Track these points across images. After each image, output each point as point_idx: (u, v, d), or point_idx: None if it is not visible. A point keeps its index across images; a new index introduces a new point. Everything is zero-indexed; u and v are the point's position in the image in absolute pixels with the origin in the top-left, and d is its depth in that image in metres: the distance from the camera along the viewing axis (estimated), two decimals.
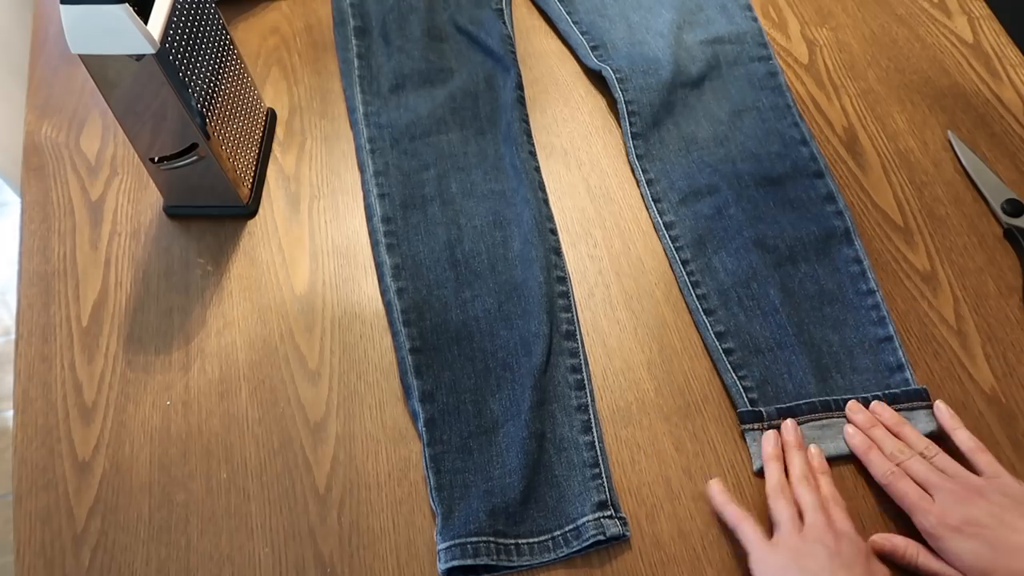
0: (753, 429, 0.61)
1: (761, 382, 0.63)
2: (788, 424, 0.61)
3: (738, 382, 0.63)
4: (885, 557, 0.56)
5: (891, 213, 0.72)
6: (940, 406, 0.61)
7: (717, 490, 0.58)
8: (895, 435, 0.60)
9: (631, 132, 0.76)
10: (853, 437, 0.60)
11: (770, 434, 0.61)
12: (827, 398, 0.62)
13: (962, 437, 0.59)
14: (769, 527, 0.56)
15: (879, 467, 0.58)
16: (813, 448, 0.60)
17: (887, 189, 0.73)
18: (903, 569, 0.56)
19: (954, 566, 0.53)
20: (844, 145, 0.76)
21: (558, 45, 0.84)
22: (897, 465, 0.58)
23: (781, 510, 0.56)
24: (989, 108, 0.78)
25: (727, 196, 0.71)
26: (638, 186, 0.74)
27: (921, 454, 0.58)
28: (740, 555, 0.57)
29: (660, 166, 0.74)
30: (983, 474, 0.56)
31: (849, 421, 0.62)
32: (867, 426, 0.61)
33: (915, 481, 0.57)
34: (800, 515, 0.55)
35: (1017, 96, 0.79)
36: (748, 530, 0.55)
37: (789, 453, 0.60)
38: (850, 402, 0.62)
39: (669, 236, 0.70)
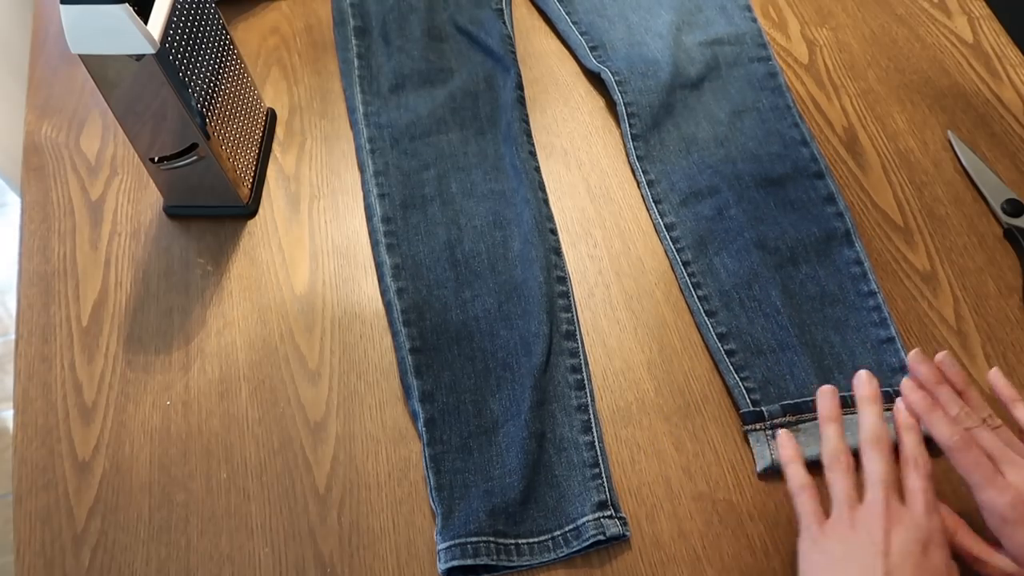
0: (756, 430, 0.61)
1: (763, 383, 0.63)
2: (862, 375, 0.54)
3: (740, 383, 0.63)
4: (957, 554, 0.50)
5: (891, 213, 0.72)
6: (996, 374, 0.54)
7: (785, 441, 0.53)
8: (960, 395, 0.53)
9: (631, 134, 0.76)
10: (912, 393, 0.53)
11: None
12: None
13: (1021, 413, 0.52)
14: (828, 507, 0.51)
15: (944, 431, 0.50)
16: (899, 403, 0.53)
17: (887, 189, 0.73)
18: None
19: (1013, 554, 0.47)
20: (844, 145, 0.76)
21: (558, 45, 0.84)
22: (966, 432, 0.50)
23: (835, 482, 0.49)
24: (989, 108, 0.78)
25: (728, 197, 0.71)
26: (639, 187, 0.74)
27: (984, 422, 0.51)
28: (740, 555, 0.57)
29: (660, 167, 0.74)
30: None
31: (910, 372, 0.55)
32: (932, 382, 0.53)
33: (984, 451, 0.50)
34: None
35: (1017, 96, 0.79)
36: (805, 503, 0.49)
37: (861, 406, 0.53)
38: (913, 351, 0.55)
39: (670, 237, 0.70)
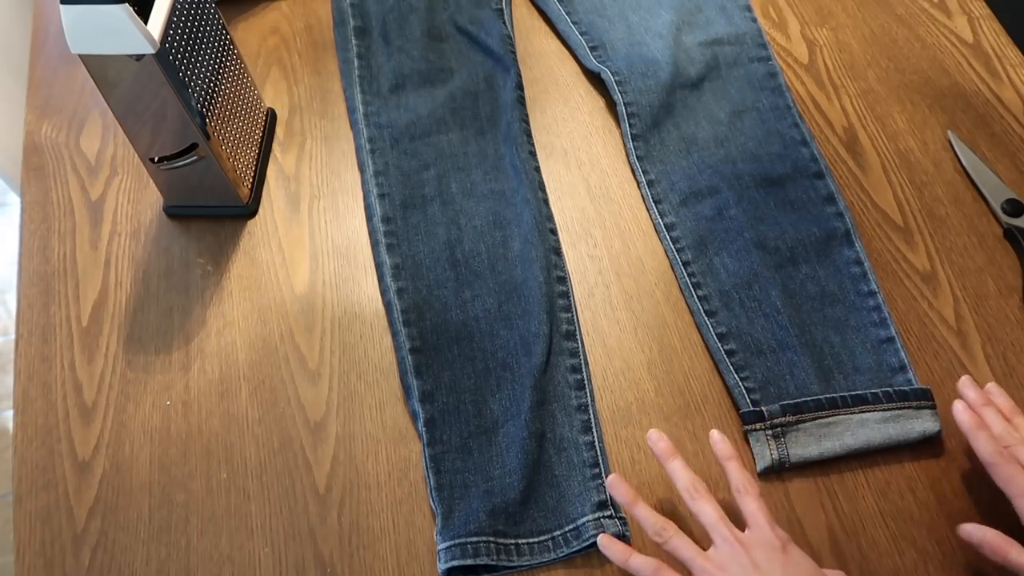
0: (756, 430, 0.61)
1: (763, 383, 0.63)
2: (652, 435, 0.57)
3: (740, 383, 0.63)
4: (974, 547, 0.54)
5: (891, 213, 0.72)
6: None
7: (607, 543, 0.55)
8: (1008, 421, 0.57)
9: (631, 134, 0.76)
10: (962, 413, 0.57)
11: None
12: (833, 395, 0.62)
13: None
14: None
15: (986, 447, 0.55)
16: (715, 432, 0.57)
17: (887, 189, 0.73)
18: (989, 563, 0.54)
19: None
20: (844, 145, 0.76)
21: (558, 45, 0.84)
22: (1008, 448, 0.54)
23: (678, 547, 0.53)
24: (989, 108, 0.78)
25: (728, 197, 0.71)
26: (639, 187, 0.74)
27: None
28: None
29: (660, 167, 0.74)
30: None
31: (960, 396, 0.59)
32: (979, 403, 0.58)
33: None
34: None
35: (1017, 96, 0.79)
36: (682, 546, 0.53)
37: (665, 463, 0.56)
38: (963, 377, 0.60)
39: (670, 237, 0.70)
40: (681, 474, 0.55)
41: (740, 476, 0.55)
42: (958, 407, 0.58)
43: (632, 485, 0.60)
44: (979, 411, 0.58)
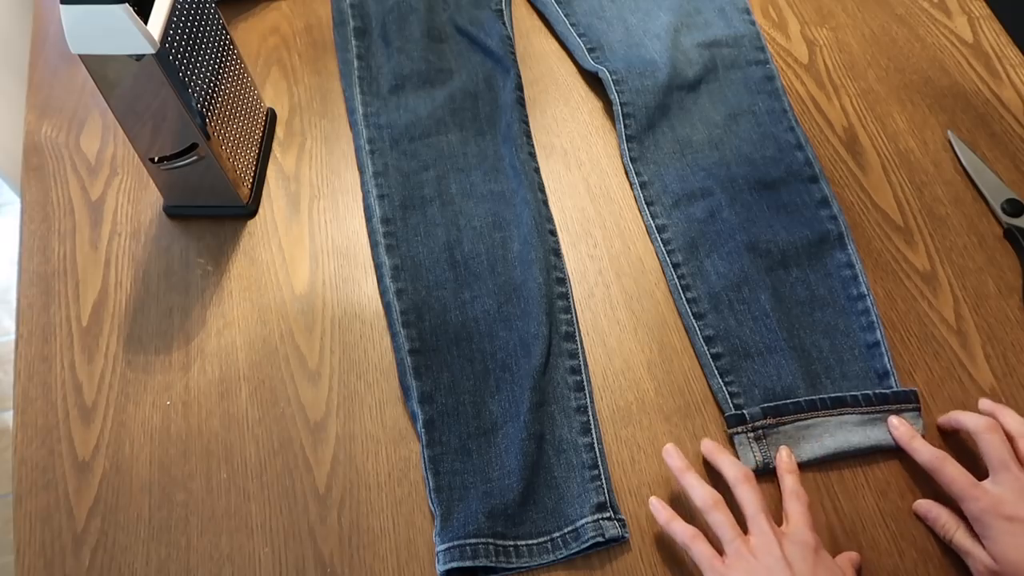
0: (739, 433, 0.61)
1: (749, 386, 0.63)
2: (706, 442, 0.60)
3: (724, 387, 0.63)
4: (926, 524, 0.57)
5: (891, 213, 0.72)
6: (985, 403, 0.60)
7: (660, 507, 0.57)
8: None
9: (625, 135, 0.76)
10: (898, 428, 0.60)
11: (670, 447, 0.59)
12: (812, 397, 0.62)
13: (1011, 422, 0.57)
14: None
15: (924, 452, 0.58)
16: (784, 450, 0.60)
17: (887, 189, 0.73)
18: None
19: (992, 553, 0.53)
20: (844, 145, 0.76)
21: (558, 45, 0.84)
22: (977, 435, 0.56)
23: (720, 524, 0.54)
24: (989, 108, 0.78)
25: (720, 200, 0.71)
26: (631, 189, 0.74)
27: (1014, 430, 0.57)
28: None
29: (654, 169, 0.74)
30: None
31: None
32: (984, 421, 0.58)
33: (986, 456, 0.55)
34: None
35: (1017, 96, 0.78)
36: (703, 550, 0.53)
37: (716, 460, 0.58)
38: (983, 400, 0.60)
39: (661, 239, 0.70)
40: (697, 488, 0.56)
41: (796, 487, 0.57)
42: (893, 422, 0.60)
43: (632, 484, 0.60)
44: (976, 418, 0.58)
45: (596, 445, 0.61)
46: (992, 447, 0.55)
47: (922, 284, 0.68)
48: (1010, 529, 0.52)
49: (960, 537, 0.55)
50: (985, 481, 0.55)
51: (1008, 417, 0.58)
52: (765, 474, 0.60)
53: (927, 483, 0.59)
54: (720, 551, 0.54)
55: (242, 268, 0.70)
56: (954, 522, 0.56)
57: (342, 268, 0.70)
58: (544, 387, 0.63)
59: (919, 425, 0.61)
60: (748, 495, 0.55)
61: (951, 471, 0.56)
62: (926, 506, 0.58)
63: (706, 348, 0.65)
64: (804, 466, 0.60)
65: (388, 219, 0.71)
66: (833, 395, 0.62)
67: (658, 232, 0.71)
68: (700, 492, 0.56)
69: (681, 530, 0.55)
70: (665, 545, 0.58)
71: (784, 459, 0.59)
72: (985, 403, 0.60)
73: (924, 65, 0.81)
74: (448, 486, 0.59)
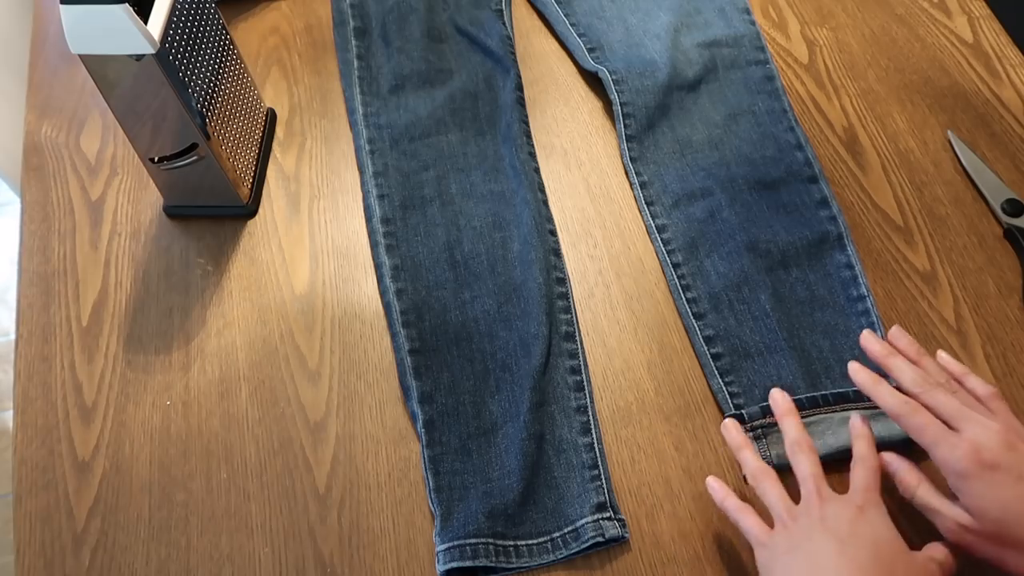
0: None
1: (749, 387, 0.63)
2: (775, 394, 0.57)
3: (724, 387, 0.63)
4: (886, 479, 0.53)
5: (891, 213, 0.72)
6: (943, 354, 0.55)
7: (717, 485, 0.56)
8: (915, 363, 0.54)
9: (625, 135, 0.76)
10: (858, 373, 0.54)
11: (728, 423, 0.57)
12: (814, 394, 0.62)
13: (974, 383, 0.53)
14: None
15: (889, 400, 0.52)
16: (856, 415, 0.55)
17: (887, 189, 0.73)
18: (900, 500, 0.53)
19: (968, 507, 0.48)
20: (844, 145, 0.76)
21: (557, 46, 0.84)
22: (921, 395, 0.51)
23: (766, 493, 0.52)
24: (989, 108, 0.78)
25: (720, 200, 0.71)
26: (631, 189, 0.74)
27: (941, 387, 0.52)
28: (740, 555, 0.57)
29: (654, 169, 0.74)
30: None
31: (863, 349, 0.56)
32: (883, 355, 0.54)
33: (940, 413, 0.50)
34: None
35: (1017, 96, 0.79)
36: (750, 522, 0.52)
37: (781, 422, 0.55)
38: (864, 331, 0.57)
39: (661, 239, 0.70)
40: (751, 461, 0.55)
41: (866, 451, 0.53)
42: (853, 367, 0.55)
43: (632, 484, 0.60)
44: (884, 362, 0.54)
45: (596, 445, 0.61)
46: (940, 401, 0.51)
47: (922, 284, 0.68)
48: (992, 479, 0.47)
49: (923, 493, 0.51)
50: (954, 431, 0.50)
51: (971, 381, 0.53)
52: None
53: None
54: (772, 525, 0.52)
55: (242, 268, 0.70)
56: (916, 476, 0.51)
57: (342, 268, 0.70)
58: (544, 387, 0.63)
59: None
60: (802, 461, 0.52)
61: (922, 417, 0.50)
62: (887, 458, 0.53)
63: (706, 348, 0.65)
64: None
65: (388, 219, 0.71)
66: (835, 391, 0.62)
67: (658, 232, 0.71)
68: (752, 464, 0.54)
69: (733, 505, 0.53)
70: (665, 545, 0.58)
71: (857, 424, 0.54)
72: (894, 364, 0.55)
73: (924, 65, 0.81)
74: (448, 486, 0.59)
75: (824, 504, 0.50)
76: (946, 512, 0.49)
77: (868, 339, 0.56)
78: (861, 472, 0.52)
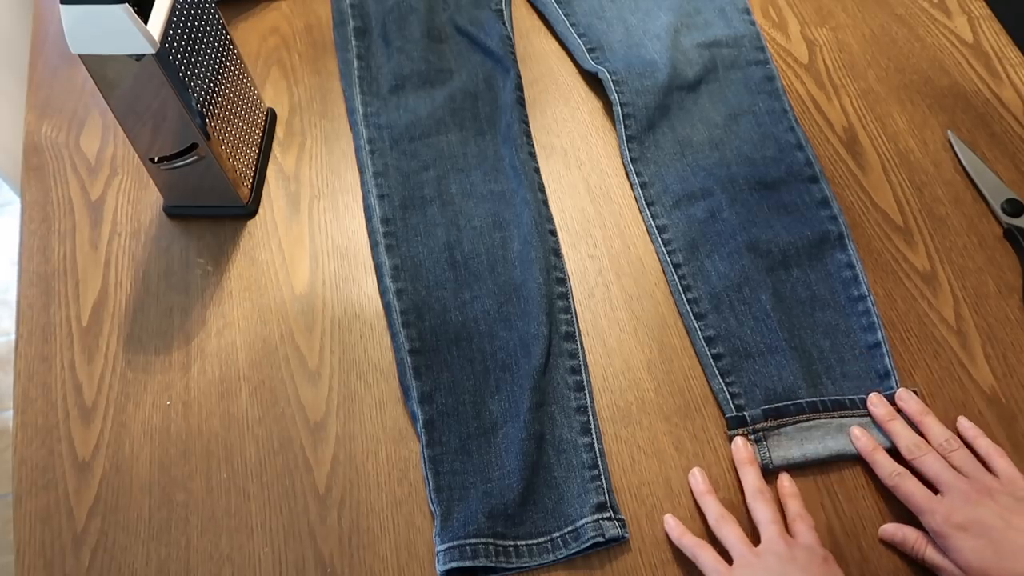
0: (739, 435, 0.61)
1: (750, 387, 0.63)
2: (738, 442, 0.61)
3: (725, 388, 0.63)
4: (895, 547, 0.57)
5: (891, 213, 0.72)
6: (903, 394, 0.62)
7: (673, 523, 0.58)
8: (918, 425, 0.60)
9: (626, 135, 0.76)
10: (859, 439, 0.60)
11: (697, 472, 0.60)
12: (814, 399, 0.62)
13: (983, 444, 0.59)
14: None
15: (885, 468, 0.59)
16: (784, 477, 0.60)
17: (887, 189, 0.73)
18: (911, 561, 0.57)
19: (957, 564, 0.53)
20: (844, 145, 0.76)
21: (558, 46, 0.84)
22: (913, 460, 0.58)
23: (727, 536, 0.56)
24: (989, 108, 0.78)
25: (721, 200, 0.71)
26: (632, 189, 0.74)
27: (941, 447, 0.58)
28: None
29: (654, 169, 0.74)
30: (999, 477, 0.57)
31: (869, 414, 0.62)
32: (886, 419, 0.60)
33: (928, 477, 0.57)
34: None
35: (1017, 96, 0.78)
36: (709, 557, 0.55)
37: (741, 469, 0.60)
38: (872, 395, 0.62)
39: (662, 240, 0.70)
40: (711, 507, 0.58)
41: (801, 511, 0.57)
42: (855, 432, 0.61)
43: (632, 484, 0.60)
44: (886, 427, 0.60)
45: (596, 445, 0.61)
46: (927, 466, 0.57)
47: (922, 284, 0.68)
48: (964, 536, 0.53)
49: (931, 554, 0.55)
50: (938, 495, 0.56)
51: (907, 426, 0.60)
52: (766, 475, 0.60)
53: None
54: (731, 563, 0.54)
55: (242, 268, 0.70)
56: (922, 540, 0.56)
57: (342, 268, 0.70)
58: (544, 387, 0.63)
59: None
60: (762, 508, 0.56)
61: (909, 486, 0.57)
62: (891, 529, 0.58)
63: (707, 348, 0.65)
64: (805, 466, 0.60)
65: (388, 219, 0.71)
66: (834, 397, 0.62)
67: (658, 232, 0.71)
68: (713, 509, 0.57)
69: (690, 542, 0.56)
70: (665, 545, 0.58)
71: (786, 485, 0.59)
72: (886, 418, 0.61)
73: (924, 65, 0.81)
74: (448, 486, 0.59)
75: (792, 546, 0.54)
76: (947, 568, 0.54)
77: (874, 402, 0.62)
78: (806, 528, 0.56)
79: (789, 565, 0.52)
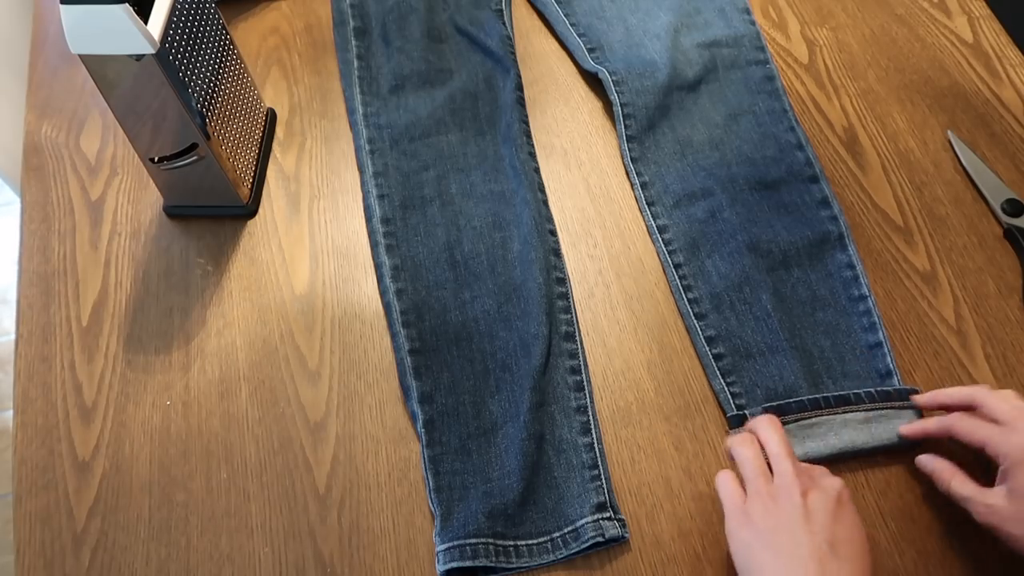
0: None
1: (751, 387, 0.63)
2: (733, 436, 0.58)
3: (726, 388, 0.63)
4: (924, 474, 0.58)
5: (891, 213, 0.72)
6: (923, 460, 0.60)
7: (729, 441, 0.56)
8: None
9: (626, 135, 0.76)
10: (907, 425, 0.60)
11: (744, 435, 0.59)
12: (816, 396, 0.62)
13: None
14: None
15: (935, 419, 0.58)
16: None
17: (887, 189, 0.73)
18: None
19: (1015, 489, 0.51)
20: (844, 145, 0.76)
21: (558, 46, 0.84)
22: (978, 405, 0.57)
23: (744, 459, 0.54)
24: (989, 108, 0.78)
25: (721, 200, 0.71)
26: (632, 189, 0.74)
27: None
28: None
29: (655, 169, 0.74)
30: None
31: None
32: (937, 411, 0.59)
33: (992, 415, 0.55)
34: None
35: (1017, 96, 0.79)
36: (727, 484, 0.54)
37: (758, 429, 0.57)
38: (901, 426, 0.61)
39: (662, 240, 0.70)
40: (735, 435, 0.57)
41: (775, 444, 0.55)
42: (902, 429, 0.60)
43: (632, 484, 0.60)
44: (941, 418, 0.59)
45: (596, 445, 0.61)
46: (992, 403, 0.55)
47: (922, 284, 0.68)
48: None
49: (958, 485, 0.55)
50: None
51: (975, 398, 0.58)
52: None
53: (926, 483, 0.59)
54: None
55: (242, 268, 0.70)
56: (951, 470, 0.56)
57: (342, 268, 0.70)
58: (544, 387, 0.63)
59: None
60: (771, 435, 0.55)
61: (974, 420, 0.56)
62: (926, 459, 0.58)
63: (708, 348, 0.65)
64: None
65: (388, 219, 0.71)
66: (836, 393, 0.62)
67: (659, 232, 0.71)
68: (736, 435, 0.56)
69: (720, 475, 0.55)
70: (665, 545, 0.58)
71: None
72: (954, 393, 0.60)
73: (924, 65, 0.81)
74: (448, 486, 0.59)
75: (807, 493, 0.51)
76: (978, 498, 0.54)
77: (908, 429, 0.60)
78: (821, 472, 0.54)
79: (802, 521, 0.50)
